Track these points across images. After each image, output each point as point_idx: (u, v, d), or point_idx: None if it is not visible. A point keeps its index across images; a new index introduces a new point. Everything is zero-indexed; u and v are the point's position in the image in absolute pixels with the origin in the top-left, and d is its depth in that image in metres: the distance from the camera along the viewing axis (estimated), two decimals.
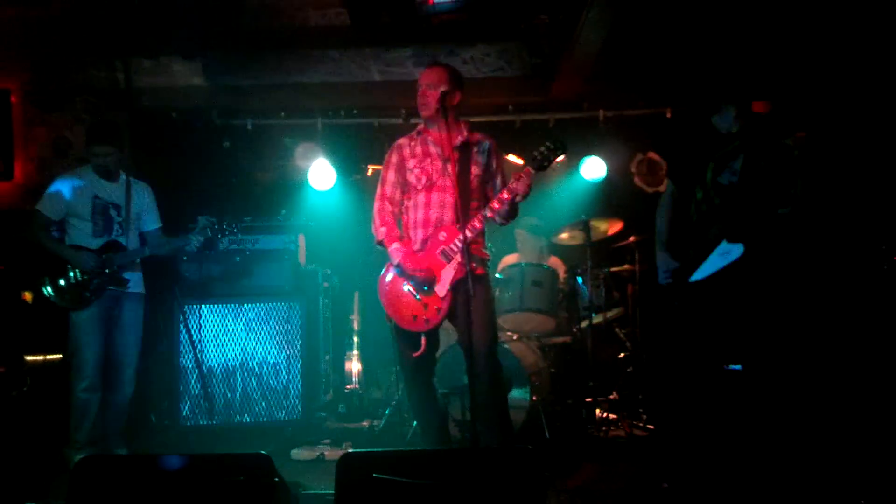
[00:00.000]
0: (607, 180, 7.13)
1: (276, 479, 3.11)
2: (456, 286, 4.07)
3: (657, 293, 4.75)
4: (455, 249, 4.07)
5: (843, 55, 5.80)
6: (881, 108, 5.76)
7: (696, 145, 4.50)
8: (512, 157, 6.90)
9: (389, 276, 4.24)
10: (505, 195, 4.04)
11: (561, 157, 4.14)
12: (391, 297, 4.22)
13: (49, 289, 4.95)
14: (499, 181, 4.33)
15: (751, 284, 4.22)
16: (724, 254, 4.19)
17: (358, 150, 7.46)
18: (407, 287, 4.16)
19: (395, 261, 4.18)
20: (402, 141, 4.43)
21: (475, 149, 4.29)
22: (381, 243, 4.30)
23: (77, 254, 4.98)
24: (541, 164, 4.03)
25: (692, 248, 4.34)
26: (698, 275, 4.30)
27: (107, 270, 4.99)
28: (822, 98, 6.09)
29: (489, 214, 4.09)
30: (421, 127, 4.38)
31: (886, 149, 5.68)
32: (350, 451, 3.22)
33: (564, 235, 6.67)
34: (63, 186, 5.09)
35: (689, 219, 4.41)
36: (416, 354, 4.16)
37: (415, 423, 5.56)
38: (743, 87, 4.43)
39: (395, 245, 4.21)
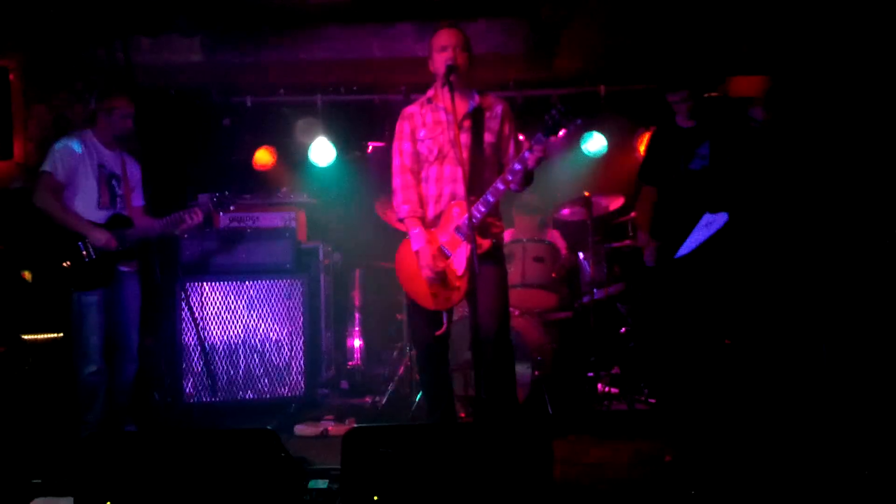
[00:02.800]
0: (608, 155, 7.12)
1: (282, 455, 3.13)
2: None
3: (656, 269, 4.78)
4: (469, 226, 3.87)
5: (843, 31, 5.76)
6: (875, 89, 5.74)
7: (663, 144, 4.56)
8: None
9: (408, 254, 4.13)
10: (517, 166, 3.86)
11: (575, 122, 3.76)
12: (410, 275, 4.12)
13: (56, 267, 4.72)
14: (512, 147, 4.16)
15: (737, 253, 4.27)
16: (708, 224, 4.22)
17: (358, 127, 7.43)
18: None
19: (415, 247, 4.06)
20: (412, 109, 4.24)
21: (487, 114, 4.13)
22: (401, 220, 4.17)
23: (93, 230, 4.74)
24: (552, 130, 3.77)
25: (675, 226, 4.36)
26: (683, 250, 4.33)
27: (120, 248, 4.80)
28: (818, 71, 6.06)
29: (501, 187, 3.91)
30: (431, 94, 4.20)
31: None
32: (356, 425, 3.22)
33: (566, 211, 6.65)
34: (72, 147, 4.80)
35: (670, 205, 4.46)
36: (438, 333, 4.07)
37: (418, 397, 5.58)
38: (692, 79, 4.46)
39: (417, 230, 4.07)
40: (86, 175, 4.82)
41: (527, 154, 3.84)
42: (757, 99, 6.08)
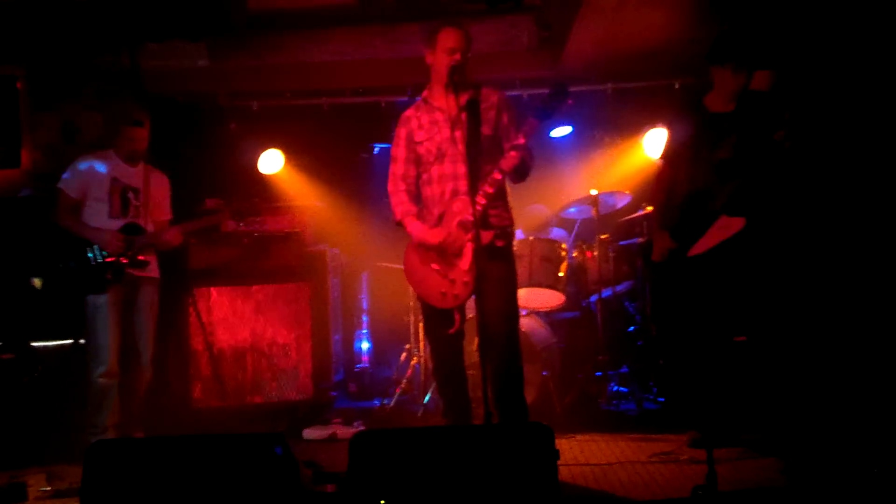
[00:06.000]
0: (615, 153, 7.10)
1: (290, 459, 3.13)
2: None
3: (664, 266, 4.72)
4: (471, 220, 3.87)
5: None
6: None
7: (689, 125, 4.45)
8: None
9: (414, 255, 4.13)
10: (512, 153, 3.88)
11: (564, 102, 3.80)
12: (418, 276, 4.12)
13: (68, 272, 4.92)
14: (513, 136, 4.06)
15: (753, 257, 4.19)
16: (724, 227, 4.15)
17: (365, 129, 7.43)
18: (432, 264, 4.05)
19: (415, 239, 4.09)
20: (409, 112, 4.26)
21: (483, 105, 4.08)
22: (399, 223, 4.19)
23: (100, 233, 4.95)
24: (545, 113, 3.80)
25: (690, 225, 4.29)
26: (697, 249, 4.27)
27: (129, 252, 4.96)
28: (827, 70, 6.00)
29: (498, 177, 3.90)
30: (426, 94, 4.20)
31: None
32: (363, 429, 3.22)
33: (573, 209, 6.64)
34: (82, 166, 5.07)
35: (686, 197, 4.37)
36: (451, 331, 4.05)
37: (426, 399, 5.58)
38: (752, 58, 4.33)
39: (414, 224, 4.11)
40: (97, 189, 5.06)
41: (521, 140, 3.86)
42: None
